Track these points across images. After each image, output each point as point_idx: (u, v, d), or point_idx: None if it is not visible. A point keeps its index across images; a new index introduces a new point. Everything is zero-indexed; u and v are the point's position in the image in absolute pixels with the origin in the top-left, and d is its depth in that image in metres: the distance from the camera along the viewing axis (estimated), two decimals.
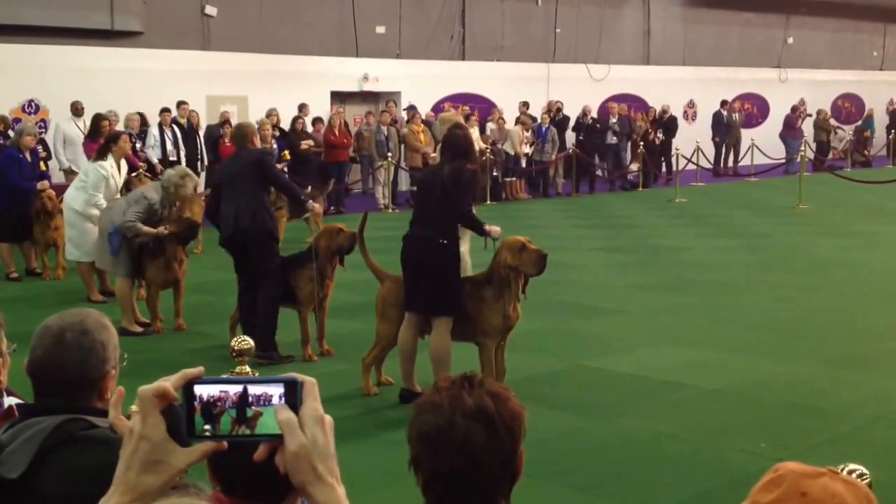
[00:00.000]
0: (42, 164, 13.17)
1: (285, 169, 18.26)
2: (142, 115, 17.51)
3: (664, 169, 25.33)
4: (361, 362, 7.49)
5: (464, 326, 7.12)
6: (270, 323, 8.27)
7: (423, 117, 21.58)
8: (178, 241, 9.58)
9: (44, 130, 17.58)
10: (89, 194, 10.59)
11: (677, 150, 23.64)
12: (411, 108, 22.23)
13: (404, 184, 21.84)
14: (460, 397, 2.06)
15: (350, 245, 8.30)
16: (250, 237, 8.35)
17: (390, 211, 19.81)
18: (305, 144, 19.35)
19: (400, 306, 7.30)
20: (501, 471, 2.07)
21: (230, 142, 9.78)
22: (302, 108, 19.83)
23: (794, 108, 28.86)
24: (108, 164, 10.77)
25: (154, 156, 17.06)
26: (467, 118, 21.83)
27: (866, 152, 30.42)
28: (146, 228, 9.29)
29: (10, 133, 14.50)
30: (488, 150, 21.19)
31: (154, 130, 17.47)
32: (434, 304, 7.07)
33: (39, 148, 13.97)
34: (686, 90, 28.71)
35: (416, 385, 7.22)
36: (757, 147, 26.18)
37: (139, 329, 9.43)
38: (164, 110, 17.66)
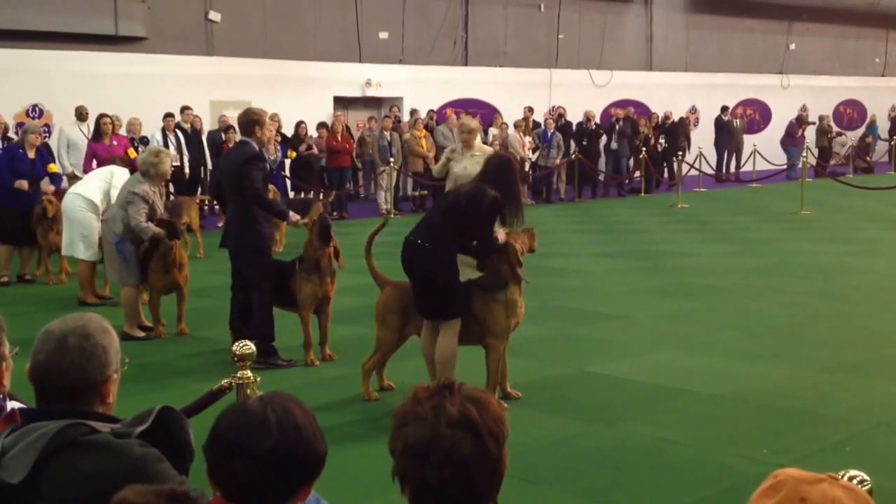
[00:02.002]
0: (53, 165, 13.19)
1: (287, 173, 18.31)
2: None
3: (666, 175, 25.37)
4: (361, 368, 7.51)
5: (471, 329, 7.14)
6: (266, 329, 8.25)
7: (426, 123, 21.62)
8: (166, 237, 9.57)
9: (47, 135, 17.63)
10: (113, 186, 10.57)
11: (679, 155, 23.66)
12: (443, 113, 22.42)
13: (407, 189, 21.89)
14: (443, 407, 2.04)
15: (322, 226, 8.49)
16: (235, 253, 8.43)
17: (393, 216, 19.82)
18: (304, 146, 19.38)
19: (401, 312, 7.31)
20: (489, 476, 2.05)
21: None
22: (299, 125, 19.82)
23: (798, 119, 28.87)
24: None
25: None
26: None
27: (868, 158, 30.44)
28: (156, 229, 9.33)
29: (11, 136, 14.58)
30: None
31: (158, 135, 17.54)
32: (441, 310, 7.07)
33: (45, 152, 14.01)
34: (688, 96, 28.75)
35: None
36: (759, 153, 26.23)
37: (142, 334, 9.45)
38: (168, 115, 17.75)
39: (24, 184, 12.22)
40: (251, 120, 8.39)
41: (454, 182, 10.30)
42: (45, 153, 13.46)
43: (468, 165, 10.22)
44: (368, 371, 7.45)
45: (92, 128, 14.78)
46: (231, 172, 8.32)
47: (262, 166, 8.26)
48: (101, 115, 14.53)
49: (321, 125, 20.31)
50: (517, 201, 7.14)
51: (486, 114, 24.22)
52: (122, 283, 9.77)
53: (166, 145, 17.56)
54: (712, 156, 26.99)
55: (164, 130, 17.72)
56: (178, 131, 17.82)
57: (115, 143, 14.24)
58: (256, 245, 8.31)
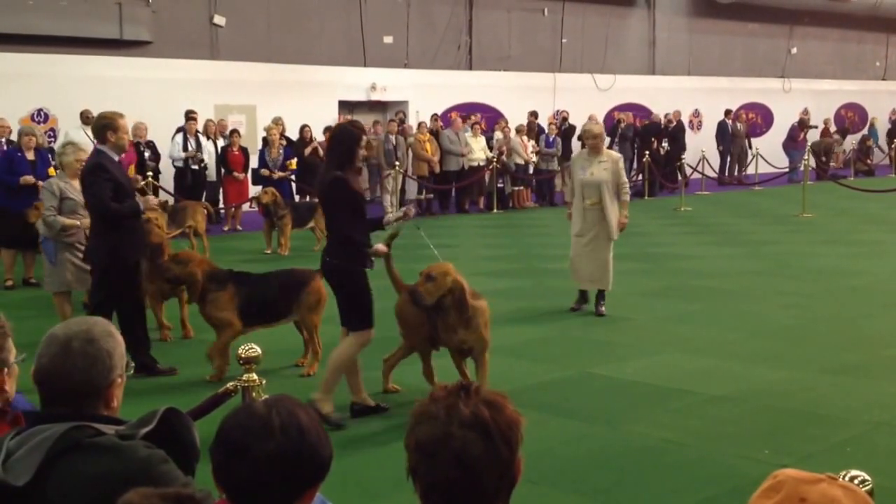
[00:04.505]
0: (53, 169, 13.22)
1: (292, 178, 18.33)
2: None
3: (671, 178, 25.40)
4: (383, 362, 7.63)
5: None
6: (138, 342, 8.03)
7: (431, 128, 21.64)
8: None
9: (52, 139, 17.69)
10: None
11: (683, 159, 23.69)
12: (447, 117, 22.52)
13: (412, 192, 21.93)
14: (456, 407, 2.04)
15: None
16: (94, 267, 8.29)
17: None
18: (309, 149, 19.43)
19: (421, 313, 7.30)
20: (499, 479, 2.05)
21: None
22: (303, 128, 19.85)
23: (800, 122, 28.89)
24: None
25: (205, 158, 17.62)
26: (472, 126, 21.98)
27: (869, 161, 30.47)
28: (67, 220, 9.16)
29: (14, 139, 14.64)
30: (495, 160, 21.28)
31: (178, 138, 17.81)
32: (349, 320, 7.05)
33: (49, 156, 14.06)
34: (691, 100, 28.77)
35: (366, 398, 7.20)
36: (761, 156, 26.25)
37: None
38: (190, 119, 18.02)
39: (29, 179, 12.25)
40: (101, 125, 7.95)
41: (580, 190, 10.38)
42: (48, 156, 13.49)
43: (595, 171, 10.33)
44: (390, 365, 7.61)
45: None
46: (82, 185, 8.16)
47: (107, 177, 7.78)
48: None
49: (328, 129, 20.27)
50: (356, 167, 7.00)
51: (491, 118, 24.27)
52: (48, 286, 9.55)
53: (186, 148, 17.78)
54: (715, 159, 27.00)
55: (185, 134, 17.91)
56: (198, 134, 17.99)
57: (122, 157, 14.26)
58: (101, 259, 8.03)
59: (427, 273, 6.92)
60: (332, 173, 6.83)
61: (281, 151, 18.22)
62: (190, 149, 17.91)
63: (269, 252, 15.09)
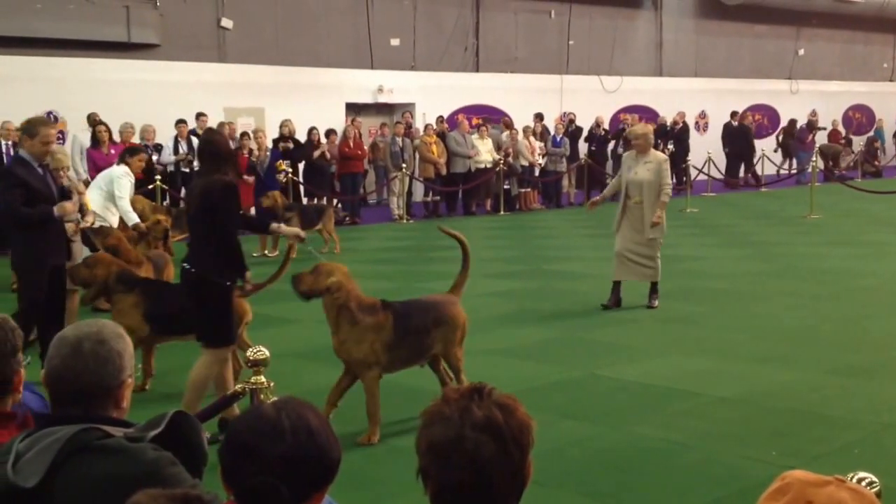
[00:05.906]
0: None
1: (282, 178, 18.19)
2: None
3: (674, 179, 25.38)
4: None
5: None
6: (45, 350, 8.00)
7: (438, 131, 21.65)
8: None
9: (61, 142, 17.74)
10: (117, 196, 10.63)
11: (689, 160, 23.68)
12: (454, 119, 22.59)
13: (419, 194, 21.95)
14: (469, 409, 2.06)
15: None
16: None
17: (405, 221, 19.89)
18: (318, 152, 19.45)
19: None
20: (510, 482, 2.07)
21: None
22: (311, 131, 19.85)
23: (809, 124, 28.85)
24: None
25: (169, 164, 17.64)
26: (479, 128, 21.99)
27: (876, 163, 30.43)
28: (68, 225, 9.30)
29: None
30: (502, 162, 21.29)
31: (169, 141, 17.86)
32: (205, 336, 6.68)
33: None
34: (698, 101, 28.74)
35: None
36: (768, 158, 26.22)
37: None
38: (180, 122, 17.97)
39: None
40: (21, 130, 8.02)
41: (625, 188, 10.44)
42: None
43: (639, 171, 10.42)
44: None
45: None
46: None
47: (15, 181, 7.73)
48: (98, 123, 14.63)
49: (330, 132, 20.27)
50: (232, 172, 6.67)
51: (497, 119, 24.28)
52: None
53: (177, 151, 17.86)
54: (721, 160, 26.96)
55: (176, 137, 17.93)
56: (192, 137, 18.01)
57: (112, 151, 14.30)
58: (18, 263, 8.06)
59: (315, 266, 6.60)
60: (223, 179, 6.45)
61: (268, 154, 18.24)
62: (181, 151, 17.96)
63: (257, 255, 14.59)
